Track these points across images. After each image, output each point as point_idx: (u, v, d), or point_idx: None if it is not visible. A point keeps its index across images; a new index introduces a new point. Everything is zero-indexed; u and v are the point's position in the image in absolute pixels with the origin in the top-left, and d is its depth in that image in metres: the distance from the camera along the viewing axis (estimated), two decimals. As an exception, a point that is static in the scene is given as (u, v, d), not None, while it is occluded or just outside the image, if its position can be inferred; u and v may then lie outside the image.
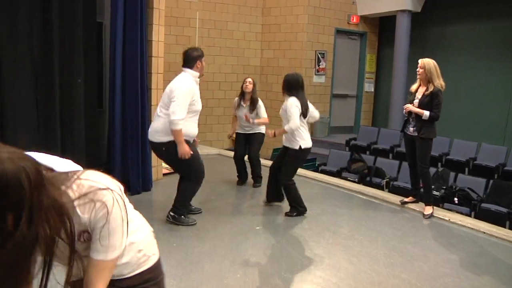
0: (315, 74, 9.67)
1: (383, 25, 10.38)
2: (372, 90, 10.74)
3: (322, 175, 6.87)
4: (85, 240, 1.27)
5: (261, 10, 9.97)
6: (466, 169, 7.14)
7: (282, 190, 4.91)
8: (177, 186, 4.43)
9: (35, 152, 1.62)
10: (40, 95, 4.41)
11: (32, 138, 4.32)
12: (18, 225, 0.99)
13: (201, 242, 3.98)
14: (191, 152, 4.07)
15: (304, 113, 4.61)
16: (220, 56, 9.60)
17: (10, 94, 4.11)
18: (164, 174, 5.93)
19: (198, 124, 4.33)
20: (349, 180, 6.83)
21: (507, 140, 8.37)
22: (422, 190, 5.17)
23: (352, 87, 10.54)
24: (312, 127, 9.72)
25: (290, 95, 4.60)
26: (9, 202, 0.98)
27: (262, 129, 5.78)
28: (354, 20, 9.98)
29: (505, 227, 5.16)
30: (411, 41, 9.16)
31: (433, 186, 5.45)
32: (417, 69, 4.84)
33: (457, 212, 5.56)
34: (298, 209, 4.77)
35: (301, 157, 4.80)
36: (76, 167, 1.57)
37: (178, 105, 3.93)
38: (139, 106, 5.10)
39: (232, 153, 6.34)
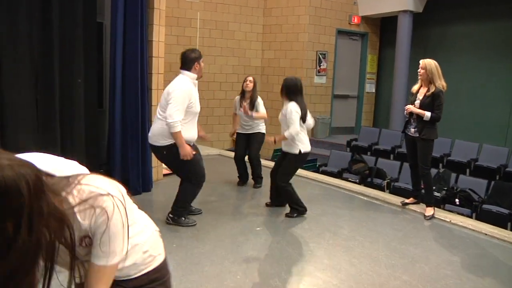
0: (316, 75, 9.66)
1: (385, 25, 10.36)
2: (373, 90, 10.72)
3: (323, 176, 6.86)
4: (87, 245, 1.26)
5: (262, 10, 9.96)
6: (468, 170, 7.12)
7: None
8: (178, 188, 4.41)
9: (40, 153, 1.63)
10: (40, 95, 4.40)
11: (32, 138, 4.31)
12: (19, 232, 0.99)
13: (201, 243, 3.96)
14: (194, 152, 4.05)
15: (304, 117, 4.60)
16: (221, 57, 9.59)
17: (10, 94, 4.10)
18: (165, 175, 5.91)
19: (199, 124, 4.32)
20: (350, 181, 6.81)
21: (508, 141, 8.35)
22: (423, 191, 5.15)
23: (353, 88, 10.52)
24: (313, 128, 9.70)
25: (290, 100, 4.60)
26: (9, 209, 0.98)
27: (262, 129, 5.77)
28: (355, 20, 9.97)
29: (506, 228, 5.14)
30: (412, 41, 9.14)
31: (434, 187, 5.43)
32: (419, 70, 4.83)
33: (458, 213, 5.54)
34: (298, 209, 4.76)
35: (301, 161, 4.80)
36: (81, 168, 1.58)
37: (175, 108, 3.90)
38: (139, 107, 5.09)
39: (232, 154, 6.32)
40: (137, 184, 5.17)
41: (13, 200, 0.98)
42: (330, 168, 7.69)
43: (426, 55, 5.40)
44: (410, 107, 4.88)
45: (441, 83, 4.72)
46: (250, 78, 5.66)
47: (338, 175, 7.32)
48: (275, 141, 4.71)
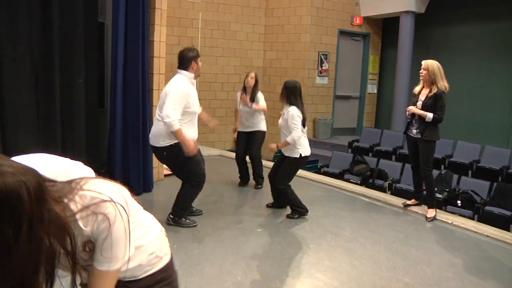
0: (318, 75, 9.64)
1: (387, 26, 10.33)
2: (375, 91, 10.70)
3: (324, 177, 6.84)
4: (90, 249, 1.27)
5: (264, 11, 9.94)
6: (470, 172, 7.09)
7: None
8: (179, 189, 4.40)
9: (45, 154, 1.63)
10: (41, 95, 4.39)
11: (32, 138, 4.30)
12: (19, 238, 1.00)
13: (202, 244, 3.95)
14: (197, 148, 4.02)
15: (304, 121, 4.60)
16: (222, 57, 9.58)
17: (10, 94, 4.09)
18: (166, 175, 5.90)
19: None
20: (351, 182, 6.79)
21: (511, 142, 8.32)
22: (425, 192, 5.12)
23: (355, 89, 10.50)
24: (315, 129, 9.70)
25: (290, 103, 4.58)
26: (9, 215, 0.99)
27: (263, 127, 5.74)
28: (357, 21, 9.94)
29: (508, 230, 5.10)
30: (414, 42, 9.11)
31: (436, 189, 5.41)
32: (421, 71, 4.80)
33: (460, 215, 5.51)
34: (299, 211, 4.74)
35: (300, 165, 4.78)
36: (86, 169, 1.57)
37: (171, 107, 3.87)
38: (140, 107, 5.08)
39: (234, 154, 6.31)
40: (138, 185, 5.16)
41: (14, 207, 1.00)
42: (332, 169, 7.66)
43: (428, 56, 5.38)
44: (412, 108, 4.86)
45: (443, 84, 4.69)
46: (252, 75, 5.64)
47: (339, 176, 7.30)
48: (277, 147, 4.69)
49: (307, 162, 7.72)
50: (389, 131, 8.85)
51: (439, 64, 4.71)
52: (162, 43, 5.49)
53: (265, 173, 5.70)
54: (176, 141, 4.01)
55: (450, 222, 4.89)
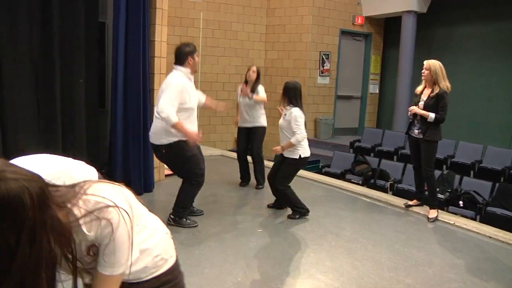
0: (320, 75, 9.62)
1: (388, 26, 10.31)
2: (377, 91, 10.67)
3: (325, 177, 6.82)
4: (94, 253, 1.27)
5: (266, 10, 9.93)
6: (472, 172, 7.06)
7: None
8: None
9: (48, 155, 1.63)
10: (41, 95, 4.38)
11: (33, 139, 4.29)
12: (20, 244, 1.01)
13: (202, 244, 3.93)
14: (200, 135, 4.02)
15: (304, 123, 4.59)
16: (224, 57, 9.56)
17: (10, 94, 4.08)
18: (166, 175, 5.89)
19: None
20: (353, 182, 6.77)
21: (513, 142, 8.28)
22: (426, 193, 5.10)
23: (356, 89, 10.48)
24: (316, 129, 9.68)
25: (293, 105, 4.57)
26: (12, 221, 1.01)
27: (263, 122, 5.71)
28: (359, 21, 9.92)
29: (511, 231, 5.06)
30: (416, 42, 9.08)
31: (438, 189, 5.38)
32: (423, 71, 4.78)
33: (462, 215, 5.48)
34: (299, 211, 4.72)
35: (300, 166, 4.77)
36: (89, 168, 1.61)
37: (166, 102, 3.83)
38: (141, 107, 5.06)
39: (235, 154, 6.29)
40: (139, 185, 5.15)
41: (17, 212, 1.01)
42: (333, 169, 7.65)
43: (430, 56, 5.36)
44: (414, 108, 4.84)
45: (445, 84, 4.67)
46: (254, 68, 5.64)
47: (341, 176, 7.28)
48: (283, 149, 4.66)
49: (308, 162, 7.76)
50: (390, 131, 8.83)
51: (441, 64, 4.69)
52: (163, 43, 5.47)
53: (266, 172, 5.69)
54: (175, 140, 3.99)
55: (452, 222, 4.87)
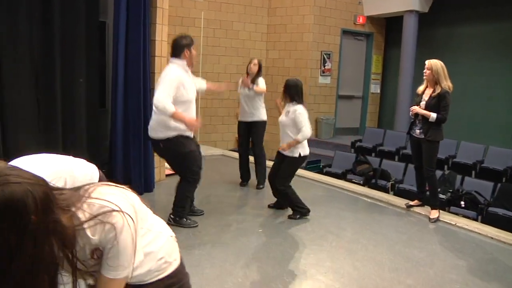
0: (321, 75, 9.59)
1: (390, 25, 10.28)
2: (378, 91, 10.64)
3: (326, 177, 6.80)
4: (98, 257, 1.28)
5: (267, 10, 9.91)
6: (473, 172, 7.04)
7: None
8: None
9: (48, 154, 1.63)
10: (41, 95, 4.37)
11: (33, 138, 4.28)
12: (22, 247, 1.03)
13: (202, 244, 3.92)
14: (200, 122, 4.01)
15: None
16: (225, 56, 9.54)
17: (10, 94, 4.07)
18: (167, 175, 5.87)
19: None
20: (354, 182, 6.76)
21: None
22: (428, 193, 5.08)
23: (358, 88, 10.45)
24: (317, 129, 9.66)
25: (293, 101, 4.56)
26: (15, 225, 1.02)
27: (263, 116, 5.69)
28: (361, 20, 9.89)
29: (512, 232, 5.05)
30: (418, 42, 9.05)
31: (439, 189, 5.36)
32: (424, 70, 4.76)
33: (464, 216, 5.46)
34: (300, 211, 4.70)
35: (300, 164, 4.76)
36: (89, 166, 1.68)
37: (161, 93, 3.80)
38: (141, 106, 5.05)
39: (236, 154, 6.27)
40: (139, 184, 5.14)
41: (20, 216, 1.02)
42: (334, 169, 7.63)
43: (432, 55, 5.32)
44: (415, 108, 4.81)
45: (447, 84, 4.65)
46: (255, 61, 5.63)
47: (342, 176, 7.27)
48: (288, 148, 4.64)
49: (309, 162, 7.75)
50: (392, 131, 8.81)
51: (442, 64, 4.67)
52: (164, 42, 5.46)
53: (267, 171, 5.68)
54: (174, 134, 3.97)
55: (453, 223, 4.85)
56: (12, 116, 4.11)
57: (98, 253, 1.26)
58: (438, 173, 6.02)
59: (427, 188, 5.10)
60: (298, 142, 4.56)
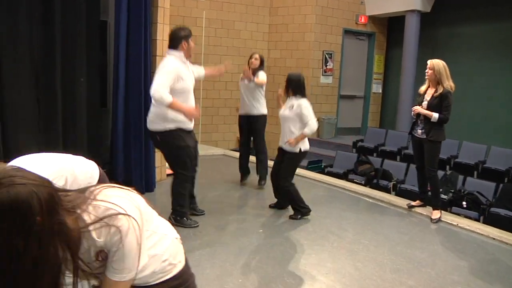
0: (322, 75, 9.58)
1: (392, 25, 10.25)
2: (380, 91, 10.62)
3: (328, 177, 6.79)
4: (103, 259, 1.28)
5: (269, 9, 9.90)
6: (475, 173, 7.01)
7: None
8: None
9: (46, 153, 1.63)
10: (42, 95, 4.36)
11: (33, 138, 4.27)
12: (28, 248, 1.03)
13: (202, 244, 3.91)
14: (198, 111, 3.98)
15: None
16: (226, 56, 9.51)
17: (10, 94, 4.06)
18: (168, 175, 5.85)
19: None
20: (355, 182, 6.74)
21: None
22: (429, 193, 5.06)
23: (359, 88, 10.43)
24: (319, 129, 9.63)
25: (300, 96, 4.54)
26: (20, 226, 1.02)
27: (263, 110, 5.68)
28: (362, 20, 9.87)
29: (515, 232, 5.03)
30: (420, 41, 9.03)
31: (441, 190, 5.34)
32: (426, 70, 4.74)
33: (465, 216, 5.44)
34: (301, 210, 4.68)
35: (300, 160, 4.74)
36: (88, 162, 1.77)
37: (157, 83, 3.79)
38: (142, 106, 5.03)
39: (237, 154, 6.26)
40: (140, 184, 5.12)
41: (25, 217, 1.03)
42: (336, 169, 7.61)
43: (434, 55, 5.31)
44: (417, 108, 4.80)
45: (449, 84, 4.63)
46: (256, 56, 5.61)
47: (343, 176, 7.25)
48: (297, 142, 4.60)
49: (310, 162, 7.74)
50: (394, 131, 8.79)
51: (445, 64, 4.65)
52: (165, 42, 5.41)
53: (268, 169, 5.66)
54: (171, 127, 3.96)
55: (455, 223, 4.83)
56: (12, 116, 4.11)
57: (103, 255, 1.27)
58: (440, 173, 5.99)
59: (428, 189, 5.07)
60: (305, 137, 4.54)
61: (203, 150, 7.86)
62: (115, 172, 4.97)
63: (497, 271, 3.77)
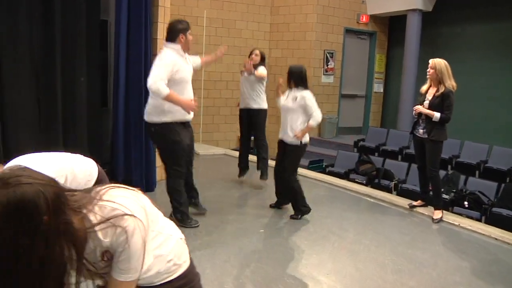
0: (324, 74, 9.56)
1: (393, 24, 10.23)
2: (381, 90, 10.60)
3: (329, 176, 6.77)
4: (108, 259, 1.29)
5: (270, 9, 9.88)
6: (477, 172, 6.99)
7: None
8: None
9: (48, 153, 1.63)
10: (42, 94, 4.36)
11: (33, 138, 4.27)
12: (34, 248, 1.04)
13: (203, 244, 3.90)
14: (195, 103, 3.94)
15: None
16: (227, 56, 9.46)
17: (10, 94, 4.06)
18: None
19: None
20: (357, 182, 6.72)
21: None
22: (431, 193, 5.04)
23: (361, 87, 10.41)
24: (320, 128, 9.62)
25: (302, 87, 4.52)
26: (27, 225, 1.03)
27: (263, 104, 5.66)
28: (364, 19, 9.85)
29: (517, 232, 5.01)
30: (421, 41, 9.00)
31: (442, 190, 5.32)
32: (428, 70, 4.72)
33: (467, 216, 5.41)
34: (302, 209, 4.66)
35: (302, 152, 4.71)
36: (87, 160, 1.83)
37: (154, 75, 3.76)
38: (143, 106, 4.99)
39: (238, 153, 6.24)
40: (141, 184, 5.11)
41: (31, 216, 1.03)
42: (337, 168, 7.59)
43: (435, 54, 5.27)
44: (418, 108, 4.78)
45: (451, 83, 4.61)
46: (257, 52, 5.60)
47: (345, 176, 7.23)
48: (303, 135, 4.57)
49: (312, 162, 7.72)
50: (395, 130, 8.77)
51: (446, 63, 4.63)
52: (166, 41, 5.43)
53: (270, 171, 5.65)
54: (167, 121, 3.94)
55: (457, 224, 4.81)
56: (12, 116, 4.10)
57: (108, 255, 1.27)
58: (442, 173, 5.97)
59: (430, 188, 5.05)
60: (311, 128, 4.53)
61: (204, 149, 7.87)
62: (115, 171, 4.97)
63: (499, 271, 3.75)
